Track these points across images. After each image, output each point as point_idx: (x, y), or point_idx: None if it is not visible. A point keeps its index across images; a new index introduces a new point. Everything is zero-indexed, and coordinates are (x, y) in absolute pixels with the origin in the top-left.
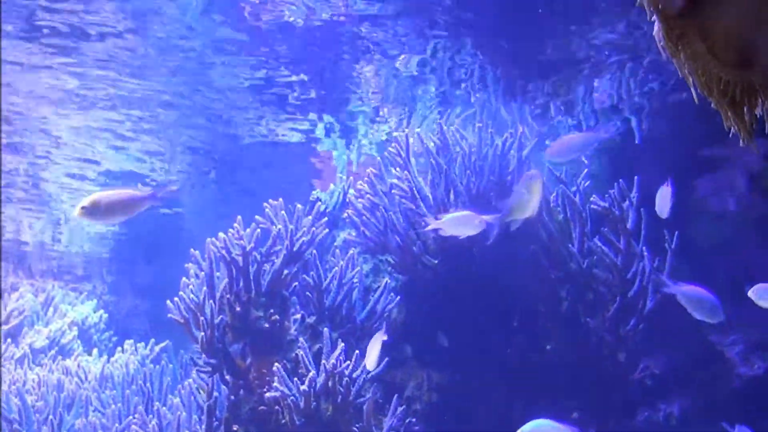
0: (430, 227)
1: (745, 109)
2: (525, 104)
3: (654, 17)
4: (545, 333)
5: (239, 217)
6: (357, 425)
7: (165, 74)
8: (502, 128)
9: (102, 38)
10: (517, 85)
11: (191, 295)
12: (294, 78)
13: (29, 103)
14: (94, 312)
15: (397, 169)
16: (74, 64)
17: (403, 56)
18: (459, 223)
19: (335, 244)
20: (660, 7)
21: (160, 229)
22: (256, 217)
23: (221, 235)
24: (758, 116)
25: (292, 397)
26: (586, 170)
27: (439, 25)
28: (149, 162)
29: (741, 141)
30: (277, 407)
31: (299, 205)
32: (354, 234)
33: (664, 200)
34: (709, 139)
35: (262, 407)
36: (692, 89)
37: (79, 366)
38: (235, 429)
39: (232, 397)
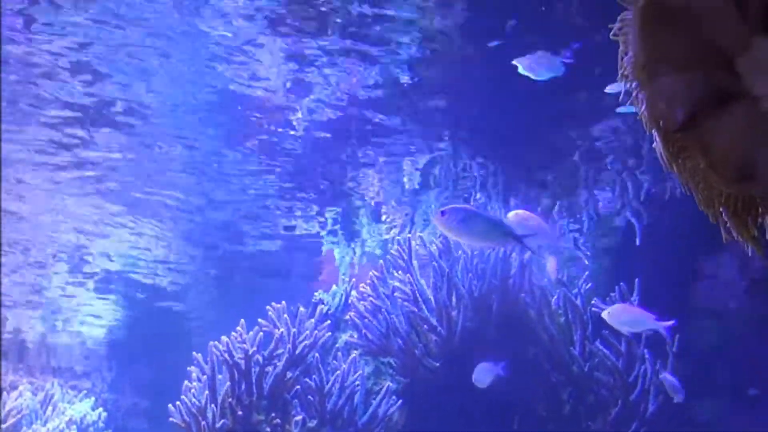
0: None
1: (748, 221)
2: (527, 208)
3: (654, 132)
4: None
5: (242, 320)
6: None
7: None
8: None
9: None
10: (519, 190)
11: (193, 399)
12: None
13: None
14: (93, 410)
15: (400, 272)
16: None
17: (406, 164)
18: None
19: (337, 345)
20: (661, 122)
21: (160, 328)
22: (259, 320)
23: (224, 338)
24: (760, 227)
25: None
26: (587, 273)
27: (443, 135)
28: (150, 261)
29: (747, 248)
30: None
31: (302, 308)
32: (356, 336)
33: None
34: (709, 241)
35: None
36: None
37: None
38: None
39: None
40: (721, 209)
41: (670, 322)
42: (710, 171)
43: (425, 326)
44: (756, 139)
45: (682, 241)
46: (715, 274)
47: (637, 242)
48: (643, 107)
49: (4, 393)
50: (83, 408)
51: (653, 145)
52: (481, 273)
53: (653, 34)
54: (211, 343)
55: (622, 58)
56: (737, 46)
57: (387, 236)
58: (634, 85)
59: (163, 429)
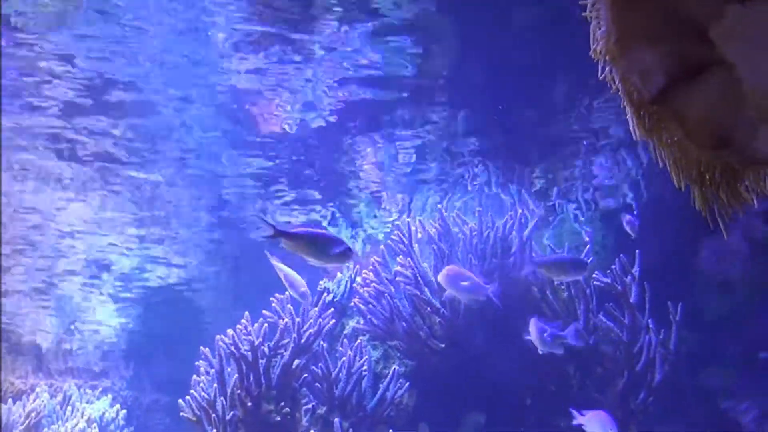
0: None
1: (727, 187)
2: (524, 186)
3: (627, 105)
4: (556, 410)
5: (247, 312)
6: None
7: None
8: (502, 210)
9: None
10: (515, 168)
11: (202, 393)
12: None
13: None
14: (111, 407)
15: (401, 256)
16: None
17: (402, 149)
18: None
19: (344, 332)
20: (635, 95)
21: (178, 323)
22: (263, 311)
23: (230, 331)
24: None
25: None
26: (588, 246)
27: (437, 112)
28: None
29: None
30: None
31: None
32: (362, 322)
33: None
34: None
35: None
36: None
37: None
38: None
39: None
40: (697, 180)
41: None
42: (687, 140)
43: (428, 309)
44: (731, 105)
45: (683, 211)
46: (718, 242)
47: (634, 210)
48: (618, 82)
49: (24, 396)
50: (101, 406)
51: (629, 120)
52: (481, 253)
53: (625, 8)
54: (218, 336)
55: (595, 34)
56: (711, 15)
57: (389, 219)
58: (607, 60)
59: (185, 424)
